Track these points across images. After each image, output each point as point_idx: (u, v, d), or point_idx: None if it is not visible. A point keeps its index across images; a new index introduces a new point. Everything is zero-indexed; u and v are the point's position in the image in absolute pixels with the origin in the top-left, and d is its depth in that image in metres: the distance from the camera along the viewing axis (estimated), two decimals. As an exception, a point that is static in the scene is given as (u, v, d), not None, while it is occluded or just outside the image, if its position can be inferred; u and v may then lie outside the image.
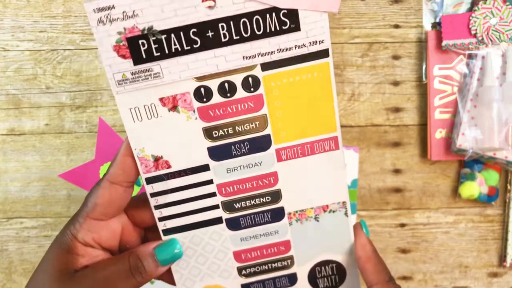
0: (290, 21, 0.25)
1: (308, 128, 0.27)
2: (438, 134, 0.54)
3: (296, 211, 0.29)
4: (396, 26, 0.54)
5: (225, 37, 0.25)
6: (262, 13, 0.24)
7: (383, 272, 0.28)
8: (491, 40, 0.51)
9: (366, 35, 0.54)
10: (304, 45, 0.25)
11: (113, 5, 0.24)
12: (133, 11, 0.24)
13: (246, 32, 0.25)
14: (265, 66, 0.26)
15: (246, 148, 0.27)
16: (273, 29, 0.25)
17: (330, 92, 0.26)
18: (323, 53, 0.25)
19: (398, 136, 0.56)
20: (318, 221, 0.29)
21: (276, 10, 0.24)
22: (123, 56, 0.25)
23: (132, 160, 0.27)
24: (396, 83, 0.55)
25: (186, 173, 0.28)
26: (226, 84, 0.26)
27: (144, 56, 0.25)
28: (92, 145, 0.54)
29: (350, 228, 0.29)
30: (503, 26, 0.50)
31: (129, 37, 0.24)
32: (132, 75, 0.25)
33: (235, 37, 0.25)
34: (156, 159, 0.27)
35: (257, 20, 0.24)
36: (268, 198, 0.28)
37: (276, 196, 0.28)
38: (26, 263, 0.56)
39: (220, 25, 0.24)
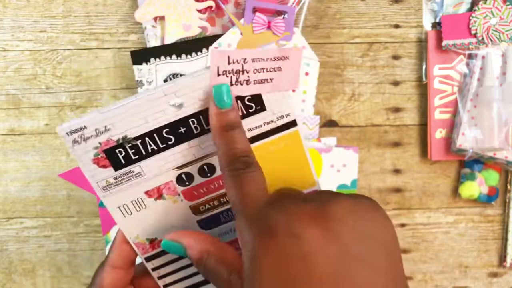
0: (255, 104, 0.26)
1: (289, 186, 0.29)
2: (438, 134, 0.54)
3: None
4: (396, 26, 0.54)
5: (196, 129, 0.26)
6: None
7: (223, 156, 0.24)
8: (491, 40, 0.51)
9: (366, 35, 0.54)
10: (272, 121, 0.27)
11: (84, 126, 0.25)
12: (105, 126, 0.25)
13: None
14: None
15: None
16: (240, 114, 0.26)
17: (303, 155, 0.28)
18: (291, 124, 0.27)
19: (398, 136, 0.56)
20: None
21: (240, 97, 0.26)
22: (104, 166, 0.26)
23: (129, 246, 0.28)
24: (396, 83, 0.55)
25: None
26: (205, 167, 0.27)
27: (123, 162, 0.26)
28: (92, 145, 0.54)
29: None
30: (503, 26, 0.50)
31: (105, 149, 0.25)
32: (115, 179, 0.26)
33: (206, 127, 0.26)
34: (151, 241, 0.29)
35: None
36: None
37: None
38: (26, 263, 0.56)
39: (190, 120, 0.26)
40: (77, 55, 0.54)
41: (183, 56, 0.51)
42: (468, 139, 0.51)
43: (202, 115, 0.26)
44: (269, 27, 0.50)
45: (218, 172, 0.28)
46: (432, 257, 0.57)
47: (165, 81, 0.51)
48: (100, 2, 0.53)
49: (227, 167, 0.24)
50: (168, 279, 0.30)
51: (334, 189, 0.54)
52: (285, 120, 0.27)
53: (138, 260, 0.30)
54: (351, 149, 0.54)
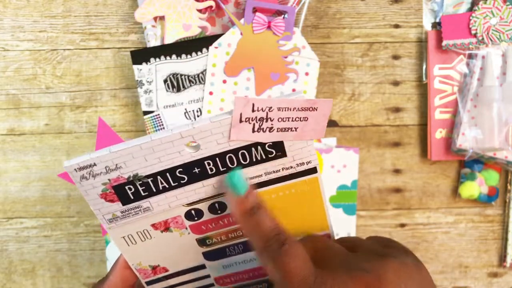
0: (276, 150, 0.25)
1: (302, 229, 0.28)
2: (438, 134, 0.54)
3: None
4: (396, 26, 0.54)
5: (211, 170, 0.25)
6: (247, 147, 0.25)
7: (255, 240, 0.24)
8: (491, 40, 0.51)
9: (366, 35, 0.54)
10: (291, 167, 0.26)
11: (94, 163, 0.24)
12: (116, 164, 0.24)
13: (232, 164, 0.25)
14: (254, 186, 0.26)
15: (240, 249, 0.29)
16: (259, 158, 0.25)
17: (320, 201, 0.27)
18: (311, 171, 0.26)
19: (398, 136, 0.56)
20: None
21: (261, 143, 0.25)
22: (111, 201, 0.25)
23: (130, 271, 0.28)
24: (396, 83, 0.55)
25: (183, 273, 0.29)
26: (217, 204, 0.27)
27: (132, 197, 0.25)
28: (92, 145, 0.54)
29: None
30: (503, 26, 0.50)
31: (114, 185, 0.25)
32: (122, 213, 0.26)
33: (221, 169, 0.25)
34: (154, 268, 0.28)
35: (242, 153, 0.25)
36: (265, 285, 0.30)
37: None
38: (26, 263, 0.56)
39: (206, 162, 0.25)
40: (77, 55, 0.54)
41: (183, 56, 0.51)
42: (468, 139, 0.51)
43: (219, 158, 0.25)
44: (269, 27, 0.50)
45: (229, 210, 0.27)
46: (432, 257, 0.57)
47: (165, 81, 0.51)
48: (100, 2, 0.53)
49: (263, 249, 0.23)
50: None
51: (335, 190, 0.54)
52: (305, 167, 0.26)
53: None
54: (352, 149, 0.54)
